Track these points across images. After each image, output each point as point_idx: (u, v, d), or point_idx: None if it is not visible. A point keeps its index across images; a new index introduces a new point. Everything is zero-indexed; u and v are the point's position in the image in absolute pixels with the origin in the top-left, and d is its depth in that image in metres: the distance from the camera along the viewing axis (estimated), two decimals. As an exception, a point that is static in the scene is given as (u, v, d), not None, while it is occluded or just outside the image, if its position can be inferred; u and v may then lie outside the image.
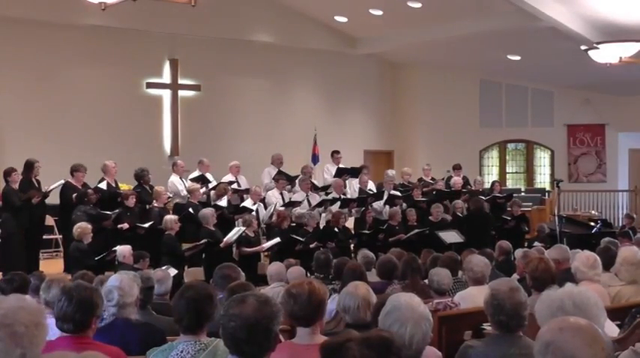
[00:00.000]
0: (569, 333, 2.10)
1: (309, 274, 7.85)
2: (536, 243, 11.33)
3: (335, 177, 13.12)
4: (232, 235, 10.45)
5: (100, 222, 10.25)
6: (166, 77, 15.30)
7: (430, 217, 12.55)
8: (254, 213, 11.33)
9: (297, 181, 12.86)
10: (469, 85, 18.44)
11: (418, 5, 14.26)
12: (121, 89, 14.57)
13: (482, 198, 12.95)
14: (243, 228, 10.63)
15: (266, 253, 11.14)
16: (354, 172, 13.51)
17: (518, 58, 16.42)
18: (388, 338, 2.00)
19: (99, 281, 5.30)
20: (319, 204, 12.27)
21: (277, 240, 10.76)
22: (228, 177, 12.54)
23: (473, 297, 5.57)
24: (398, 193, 13.10)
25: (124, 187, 11.36)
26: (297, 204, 12.07)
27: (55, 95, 13.89)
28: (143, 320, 4.48)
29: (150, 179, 11.51)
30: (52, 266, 10.87)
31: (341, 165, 13.78)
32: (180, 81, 15.38)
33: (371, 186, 13.46)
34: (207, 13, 14.04)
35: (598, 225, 13.38)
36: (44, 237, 11.52)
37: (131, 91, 14.78)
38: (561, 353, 2.02)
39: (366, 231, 11.98)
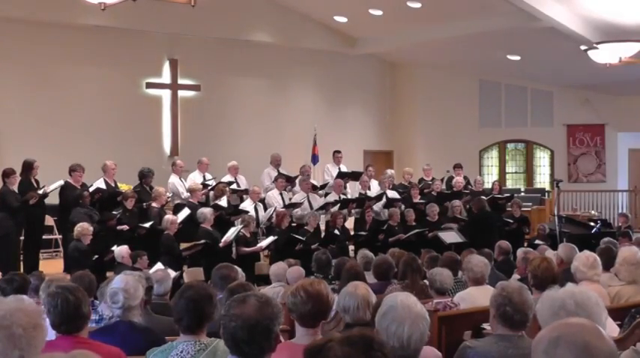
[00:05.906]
0: (577, 323, 2.09)
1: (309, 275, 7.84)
2: (537, 242, 11.34)
3: (336, 179, 13.09)
4: (230, 234, 10.46)
5: (105, 222, 10.26)
6: (166, 77, 15.29)
7: (427, 217, 12.55)
8: (252, 213, 11.32)
9: (296, 181, 12.84)
10: (469, 84, 18.44)
11: (418, 5, 14.25)
12: (120, 89, 14.56)
13: (484, 197, 12.95)
14: (240, 226, 10.63)
15: (265, 253, 11.13)
16: (355, 176, 13.48)
17: (517, 58, 16.42)
18: (369, 335, 2.00)
19: (106, 284, 5.20)
20: (321, 208, 12.24)
21: (273, 238, 10.76)
22: (227, 178, 12.52)
23: (472, 297, 5.57)
24: (395, 193, 13.08)
25: (124, 187, 11.33)
26: (298, 205, 12.05)
27: (54, 95, 13.88)
28: (145, 324, 4.43)
29: (152, 180, 11.50)
30: (51, 266, 10.88)
31: (342, 167, 13.74)
32: (180, 81, 15.38)
33: (375, 185, 13.42)
34: (207, 13, 14.03)
35: (598, 225, 13.36)
36: (44, 237, 11.51)
37: (131, 91, 14.78)
38: (574, 343, 1.99)
39: (363, 233, 11.97)
